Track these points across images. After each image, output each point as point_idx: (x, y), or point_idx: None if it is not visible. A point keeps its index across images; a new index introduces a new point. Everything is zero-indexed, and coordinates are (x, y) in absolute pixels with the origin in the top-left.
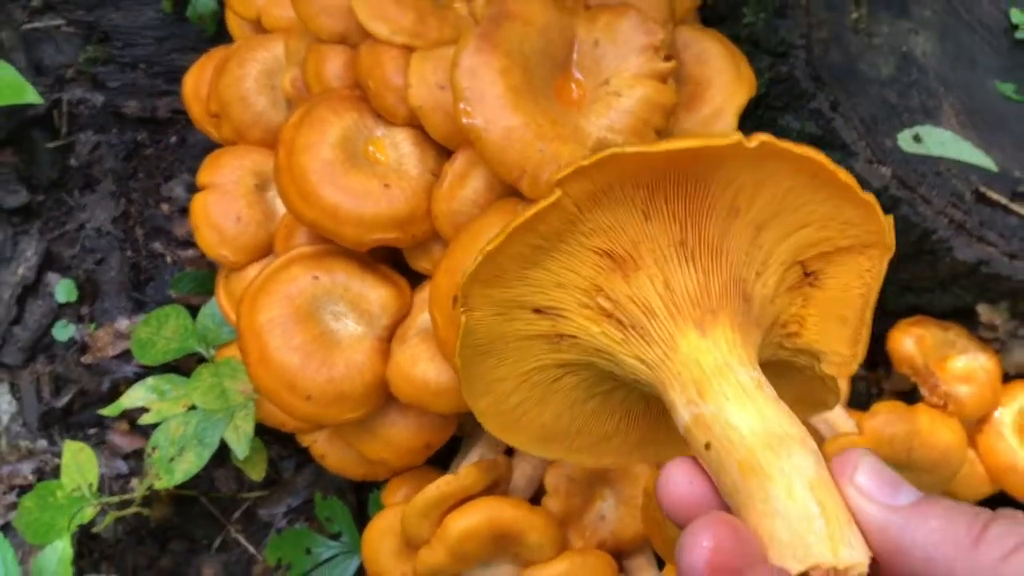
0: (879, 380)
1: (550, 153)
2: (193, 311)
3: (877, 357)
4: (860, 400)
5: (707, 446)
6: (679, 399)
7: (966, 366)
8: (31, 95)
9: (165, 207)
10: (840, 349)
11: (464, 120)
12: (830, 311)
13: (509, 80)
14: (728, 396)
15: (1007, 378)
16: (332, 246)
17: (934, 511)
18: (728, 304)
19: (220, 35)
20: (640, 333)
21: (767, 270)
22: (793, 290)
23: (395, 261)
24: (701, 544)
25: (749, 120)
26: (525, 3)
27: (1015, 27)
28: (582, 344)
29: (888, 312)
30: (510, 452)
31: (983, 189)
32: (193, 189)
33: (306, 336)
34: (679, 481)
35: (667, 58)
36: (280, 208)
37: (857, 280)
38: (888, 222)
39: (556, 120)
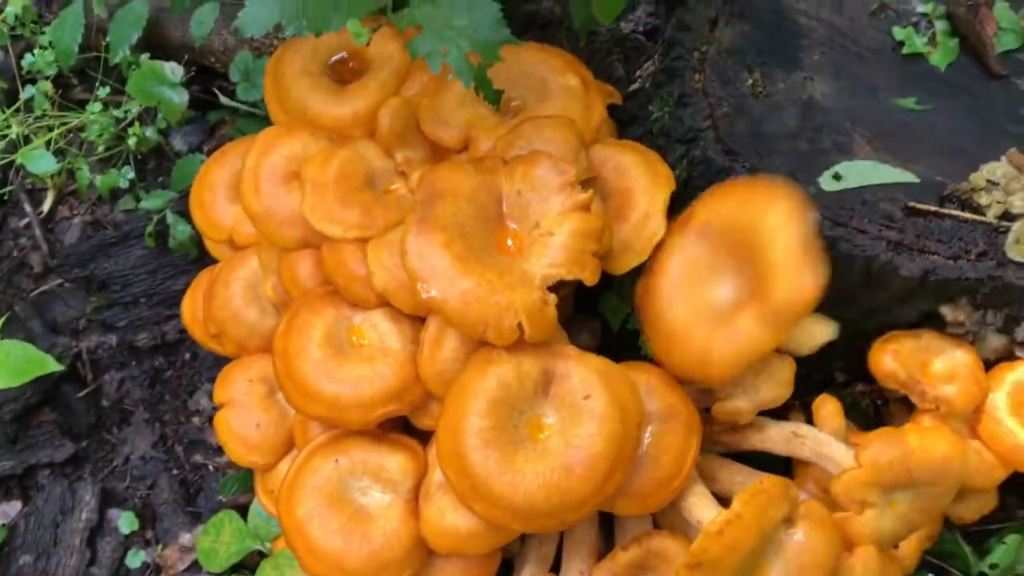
0: (880, 392)
1: (505, 302)
2: (243, 509)
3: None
4: (865, 415)
5: None
6: None
7: (946, 366)
8: (51, 365)
9: (196, 420)
10: None
11: (423, 296)
12: None
13: (453, 250)
14: None
15: (989, 364)
16: (344, 430)
17: None
18: None
19: (202, 255)
20: None
21: None
22: None
23: (404, 424)
24: None
25: (682, 202)
26: (449, 178)
27: (901, 43)
28: None
29: (863, 333)
30: (556, 568)
31: (911, 203)
32: None
33: (342, 519)
34: None
35: (585, 184)
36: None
37: None
38: None
39: (503, 271)
